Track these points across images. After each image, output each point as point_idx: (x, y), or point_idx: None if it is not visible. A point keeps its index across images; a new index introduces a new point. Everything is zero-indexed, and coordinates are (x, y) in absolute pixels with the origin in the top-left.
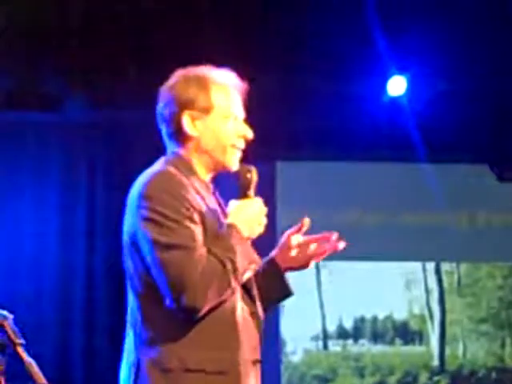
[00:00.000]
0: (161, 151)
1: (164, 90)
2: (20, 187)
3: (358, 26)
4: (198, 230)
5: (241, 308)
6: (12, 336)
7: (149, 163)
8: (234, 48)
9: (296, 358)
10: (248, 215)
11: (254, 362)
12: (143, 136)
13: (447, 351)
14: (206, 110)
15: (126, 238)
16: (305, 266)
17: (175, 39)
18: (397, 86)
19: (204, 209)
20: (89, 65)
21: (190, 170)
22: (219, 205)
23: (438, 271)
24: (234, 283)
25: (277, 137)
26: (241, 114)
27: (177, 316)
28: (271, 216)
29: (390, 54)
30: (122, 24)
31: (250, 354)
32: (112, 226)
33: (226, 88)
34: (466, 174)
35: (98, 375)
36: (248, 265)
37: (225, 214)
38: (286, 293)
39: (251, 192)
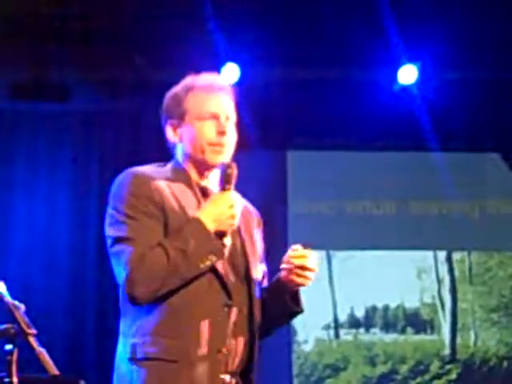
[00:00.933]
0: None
1: None
2: (32, 178)
3: (370, 16)
4: (153, 224)
5: (204, 298)
6: (24, 326)
7: (158, 151)
8: (241, 38)
9: (307, 347)
10: (216, 208)
11: (218, 352)
12: (152, 124)
13: (458, 340)
14: (182, 116)
15: None
16: (299, 284)
17: (181, 28)
18: (407, 74)
19: (172, 207)
20: (96, 55)
21: (179, 176)
22: None
23: (449, 260)
24: (184, 272)
25: (288, 126)
26: (222, 111)
27: (140, 308)
28: (283, 205)
29: (401, 43)
30: (128, 13)
31: (214, 344)
32: None
33: (203, 91)
34: (478, 163)
35: (109, 364)
36: (208, 255)
37: None
38: (288, 310)
39: (230, 186)
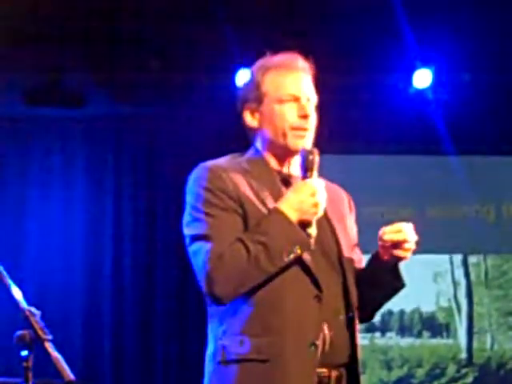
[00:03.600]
0: (185, 145)
1: None
2: (48, 184)
3: (384, 20)
4: (230, 219)
5: (292, 292)
6: (39, 332)
7: (173, 157)
8: (259, 42)
9: None
10: (297, 197)
11: (311, 345)
12: (167, 130)
13: (475, 344)
14: (259, 100)
15: None
16: (401, 257)
17: (196, 34)
18: (422, 78)
19: (250, 199)
20: (111, 60)
21: (258, 165)
22: None
23: (465, 264)
24: (267, 266)
25: None
26: (303, 93)
27: (226, 308)
28: None
29: (416, 48)
30: (144, 19)
31: (306, 339)
32: (140, 223)
33: (281, 72)
34: (493, 166)
35: (125, 370)
36: (291, 246)
37: None
38: (389, 287)
39: (312, 173)
